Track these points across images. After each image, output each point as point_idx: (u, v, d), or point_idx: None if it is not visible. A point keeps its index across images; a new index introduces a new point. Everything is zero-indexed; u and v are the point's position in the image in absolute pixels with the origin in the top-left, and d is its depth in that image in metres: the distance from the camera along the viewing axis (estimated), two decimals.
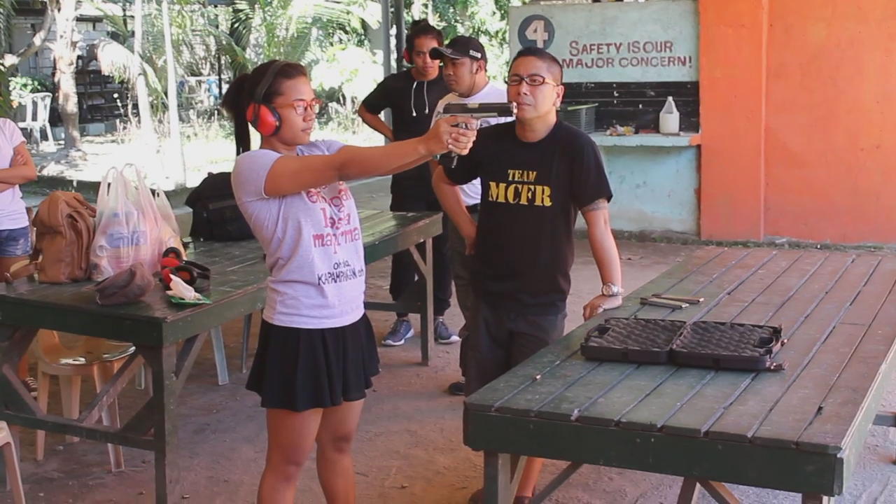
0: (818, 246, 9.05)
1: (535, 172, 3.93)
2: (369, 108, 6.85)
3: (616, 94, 9.94)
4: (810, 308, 3.95)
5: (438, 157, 3.24)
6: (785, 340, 3.41)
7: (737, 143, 9.44)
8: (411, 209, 6.36)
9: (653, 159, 9.83)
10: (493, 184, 4.01)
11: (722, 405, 2.86)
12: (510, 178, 3.97)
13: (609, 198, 3.98)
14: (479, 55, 5.55)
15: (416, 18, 22.21)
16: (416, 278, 6.39)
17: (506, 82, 4.07)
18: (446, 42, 5.97)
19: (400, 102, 6.51)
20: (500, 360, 4.04)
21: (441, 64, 5.73)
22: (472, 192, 4.77)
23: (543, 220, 3.95)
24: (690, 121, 9.60)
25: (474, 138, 3.08)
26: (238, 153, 3.42)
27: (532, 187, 3.93)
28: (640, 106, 9.85)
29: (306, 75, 3.40)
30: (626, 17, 9.99)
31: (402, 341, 6.66)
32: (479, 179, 4.15)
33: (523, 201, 3.94)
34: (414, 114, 6.38)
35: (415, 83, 6.45)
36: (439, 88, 6.21)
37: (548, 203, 3.92)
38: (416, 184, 6.18)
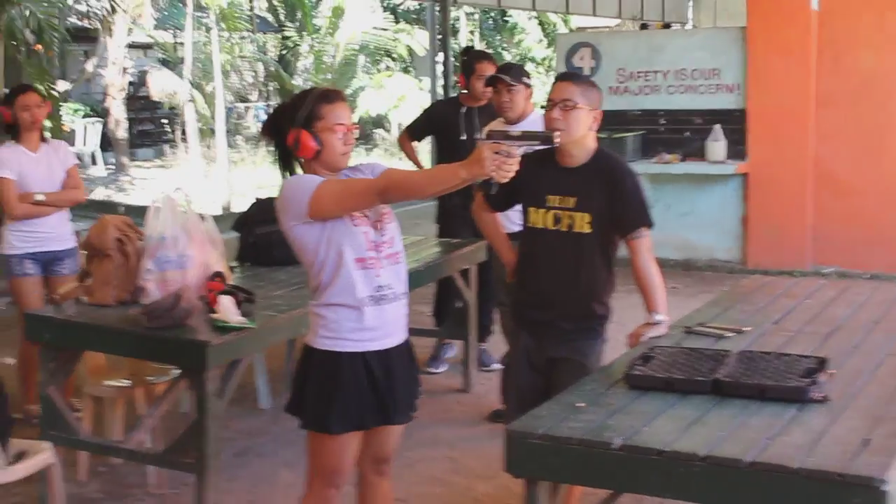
0: (867, 276, 8.92)
1: (574, 199, 3.91)
2: (413, 134, 6.89)
3: (663, 121, 9.92)
4: (858, 339, 3.89)
5: (479, 182, 3.22)
6: (832, 371, 3.35)
7: (784, 171, 9.36)
8: (458, 236, 6.36)
9: (699, 187, 9.77)
10: (532, 210, 4.00)
11: (766, 436, 2.82)
12: (549, 205, 3.94)
13: (651, 226, 3.95)
14: (529, 82, 5.65)
15: (464, 45, 22.32)
16: (460, 305, 6.38)
17: (542, 107, 4.06)
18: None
19: (448, 127, 6.53)
20: (540, 387, 4.00)
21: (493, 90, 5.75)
22: (516, 219, 4.76)
23: (583, 247, 3.92)
24: (737, 149, 9.53)
25: (517, 167, 3.07)
26: (284, 178, 3.45)
27: (572, 214, 3.91)
28: (687, 133, 9.81)
29: (345, 101, 3.43)
30: (673, 44, 9.98)
31: (443, 369, 6.65)
32: (519, 206, 4.15)
33: (563, 228, 3.92)
34: (463, 137, 6.40)
35: (464, 108, 6.51)
36: (488, 114, 6.24)
37: (587, 230, 3.90)
38: (462, 211, 6.20)
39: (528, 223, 4.03)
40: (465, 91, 6.59)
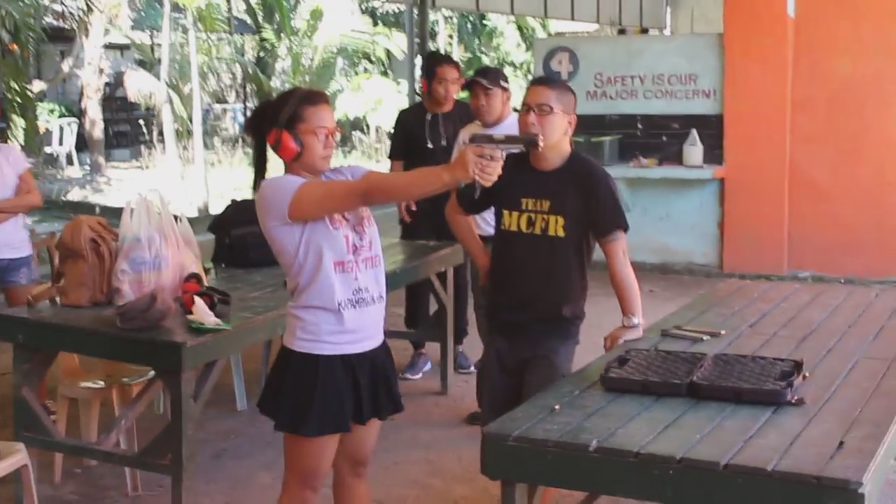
0: (842, 280, 8.98)
1: (548, 202, 3.92)
2: (397, 156, 6.56)
3: (640, 126, 9.94)
4: (833, 342, 3.91)
5: (462, 186, 3.22)
6: (807, 374, 3.37)
7: (761, 176, 9.41)
8: (421, 238, 6.30)
9: (676, 192, 9.80)
10: (506, 212, 4.00)
11: (742, 438, 2.83)
12: (524, 207, 3.96)
13: (626, 229, 3.96)
14: (507, 86, 5.64)
15: (441, 49, 22.36)
16: (436, 307, 6.36)
17: (515, 110, 4.06)
18: (470, 72, 6.01)
19: (415, 134, 6.42)
20: (513, 390, 3.99)
21: (464, 95, 5.73)
22: (492, 221, 4.76)
23: (556, 251, 3.93)
24: (714, 153, 9.57)
25: (499, 171, 3.07)
26: (255, 179, 3.43)
27: (546, 217, 3.92)
28: (664, 138, 9.84)
29: (329, 103, 3.42)
30: (650, 49, 10.01)
31: (420, 375, 6.63)
32: (492, 210, 4.14)
33: (537, 231, 3.93)
34: (430, 145, 6.31)
35: (428, 115, 6.41)
36: (453, 120, 6.21)
37: (561, 233, 3.91)
38: (424, 215, 6.17)
39: (502, 226, 4.04)
40: (428, 95, 6.47)
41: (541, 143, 3.42)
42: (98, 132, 20.18)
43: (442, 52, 22.36)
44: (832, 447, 2.75)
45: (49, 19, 19.38)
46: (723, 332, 4.03)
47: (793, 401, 3.10)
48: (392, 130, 6.87)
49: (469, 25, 27.32)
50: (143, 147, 22.36)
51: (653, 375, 3.31)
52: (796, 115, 9.36)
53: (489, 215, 4.42)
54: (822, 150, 9.32)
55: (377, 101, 22.98)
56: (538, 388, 3.52)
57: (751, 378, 3.24)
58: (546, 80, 4.09)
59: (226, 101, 25.30)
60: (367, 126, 23.66)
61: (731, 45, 9.47)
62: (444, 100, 6.34)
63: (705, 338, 3.93)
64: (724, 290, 4.98)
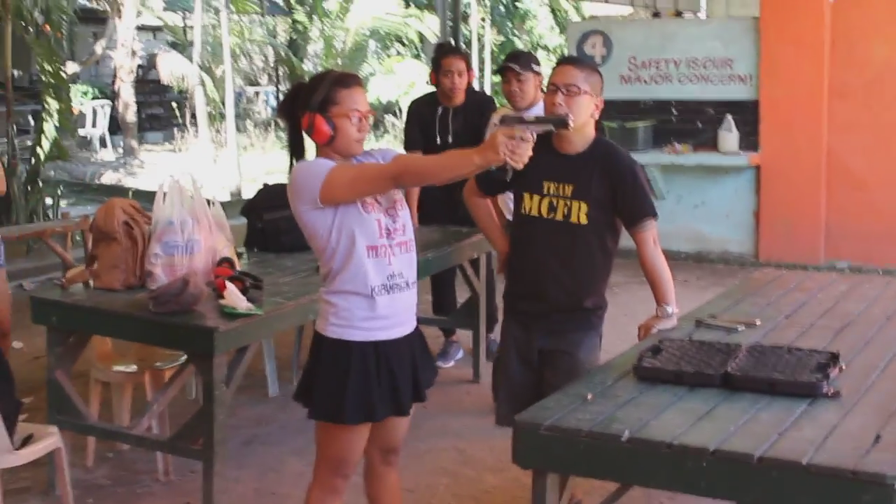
0: (880, 271, 8.86)
1: (571, 187, 3.84)
2: (414, 147, 6.27)
3: (674, 111, 9.84)
4: (871, 334, 3.86)
5: (494, 168, 3.19)
6: (843, 366, 3.32)
7: (797, 163, 9.30)
8: (438, 224, 6.16)
9: (711, 179, 9.71)
10: (527, 196, 3.91)
11: (777, 431, 2.80)
12: (545, 191, 3.87)
13: (655, 216, 3.89)
14: (539, 70, 5.59)
15: (474, 32, 22.28)
16: (468, 295, 6.32)
17: (542, 91, 3.98)
18: (503, 57, 5.96)
19: (427, 128, 6.26)
20: (531, 382, 3.94)
21: (499, 80, 5.67)
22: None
23: (577, 237, 3.85)
24: (750, 140, 9.45)
25: (531, 152, 3.04)
26: (291, 163, 3.42)
27: (568, 202, 3.83)
28: (699, 124, 9.74)
29: (362, 86, 3.40)
30: (685, 33, 9.91)
31: (452, 363, 6.59)
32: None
33: (558, 217, 3.85)
34: (438, 141, 6.14)
35: (440, 109, 6.25)
36: (464, 114, 6.12)
37: (584, 220, 3.83)
38: (441, 203, 6.04)
39: (522, 210, 3.95)
40: (437, 88, 6.30)
41: (571, 124, 3.36)
42: (131, 115, 20.27)
43: (475, 34, 22.30)
44: (868, 441, 2.72)
45: (82, 0, 19.49)
46: (758, 322, 3.98)
47: (829, 393, 3.06)
48: (406, 122, 6.62)
49: (502, 8, 27.19)
50: (175, 130, 22.44)
51: (686, 366, 3.27)
52: (833, 101, 9.23)
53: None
54: (860, 138, 9.17)
55: (410, 84, 22.91)
56: (560, 386, 3.38)
57: (786, 370, 3.21)
58: (574, 59, 4.02)
59: (258, 84, 25.34)
60: (400, 110, 23.60)
61: (767, 30, 9.35)
62: (452, 92, 6.15)
63: (740, 328, 3.88)
64: (759, 280, 4.93)
